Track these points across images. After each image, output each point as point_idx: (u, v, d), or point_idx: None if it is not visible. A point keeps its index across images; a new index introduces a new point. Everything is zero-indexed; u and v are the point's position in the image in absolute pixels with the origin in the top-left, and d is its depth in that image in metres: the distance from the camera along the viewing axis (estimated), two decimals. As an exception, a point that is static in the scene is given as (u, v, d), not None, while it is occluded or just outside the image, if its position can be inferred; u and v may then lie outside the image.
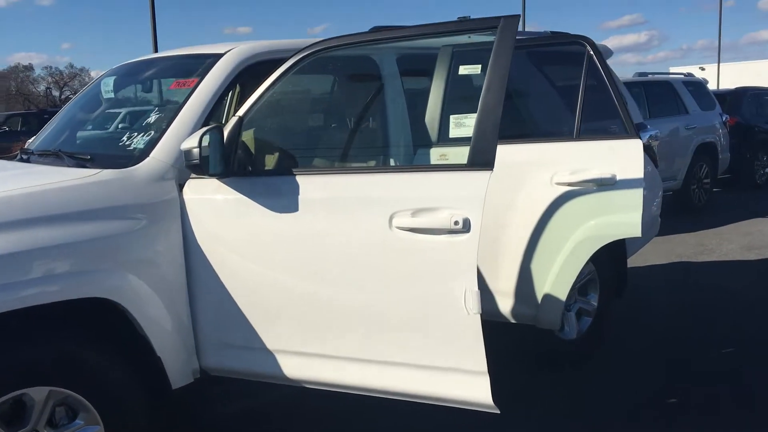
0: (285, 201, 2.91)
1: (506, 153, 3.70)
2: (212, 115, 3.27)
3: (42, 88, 57.86)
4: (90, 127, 3.84)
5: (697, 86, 10.76)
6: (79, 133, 3.80)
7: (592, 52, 3.58)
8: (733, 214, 10.07)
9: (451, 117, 3.87)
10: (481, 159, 2.67)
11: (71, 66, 63.41)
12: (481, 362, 2.71)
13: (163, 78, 3.69)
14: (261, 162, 3.12)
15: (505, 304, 3.80)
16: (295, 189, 2.91)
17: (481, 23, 2.79)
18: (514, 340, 4.44)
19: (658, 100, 9.98)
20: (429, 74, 3.95)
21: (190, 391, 3.22)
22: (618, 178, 3.47)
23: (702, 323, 5.28)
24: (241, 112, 3.06)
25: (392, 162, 3.88)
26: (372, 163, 3.70)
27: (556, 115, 3.84)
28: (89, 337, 2.86)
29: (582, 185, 3.53)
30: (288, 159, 3.23)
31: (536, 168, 3.64)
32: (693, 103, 10.35)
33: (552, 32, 4.91)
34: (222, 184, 3.02)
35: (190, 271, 3.05)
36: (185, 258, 3.05)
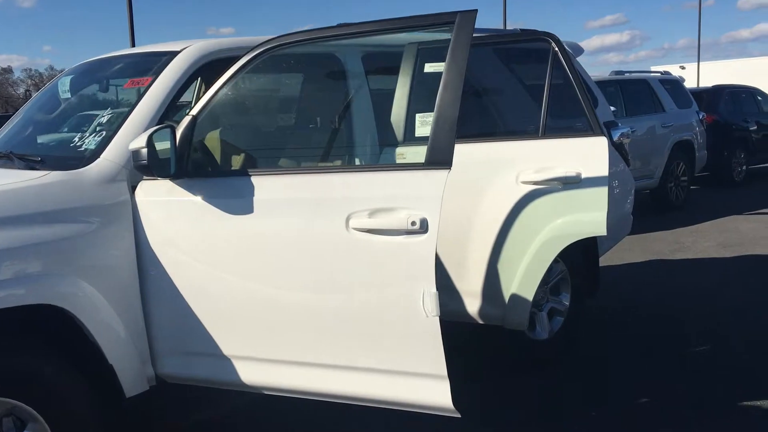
0: (239, 202, 2.83)
1: (472, 152, 3.65)
2: (168, 114, 3.18)
3: (21, 90, 57.30)
4: (45, 128, 3.73)
5: (673, 84, 10.76)
6: (34, 135, 3.70)
7: (557, 49, 3.53)
8: (710, 211, 10.08)
9: (417, 115, 3.81)
10: (439, 158, 2.60)
11: (51, 68, 62.94)
12: (440, 365, 2.64)
13: (120, 77, 3.60)
14: (216, 162, 3.04)
15: (473, 305, 3.73)
16: (250, 190, 2.82)
17: (437, 19, 2.71)
18: (485, 341, 4.39)
19: (635, 98, 9.98)
20: (395, 72, 3.88)
21: (147, 400, 3.14)
22: (583, 176, 3.41)
23: (675, 321, 5.25)
24: (194, 111, 2.97)
25: (357, 161, 3.80)
26: (336, 163, 3.62)
27: (522, 113, 3.78)
28: (37, 345, 2.77)
29: (547, 184, 3.47)
30: (244, 159, 3.15)
31: (502, 167, 3.57)
32: (670, 101, 10.35)
33: (522, 30, 4.86)
34: (175, 185, 2.93)
35: (143, 276, 2.96)
36: (138, 262, 2.96)
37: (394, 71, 3.90)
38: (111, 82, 3.60)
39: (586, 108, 3.45)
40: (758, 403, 3.77)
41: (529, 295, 3.57)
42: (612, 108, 8.80)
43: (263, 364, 2.90)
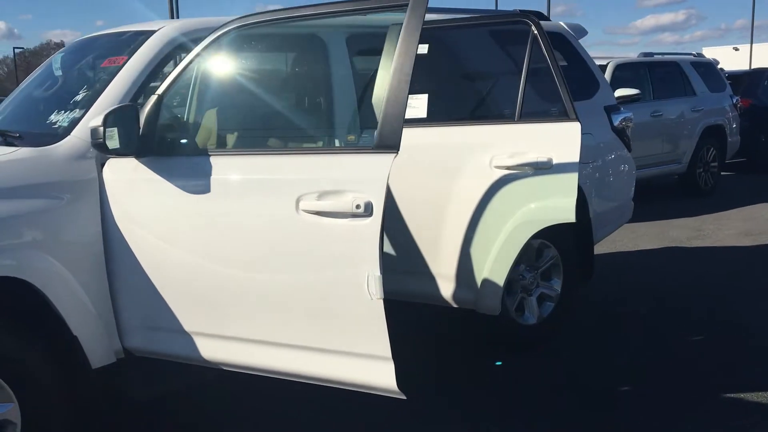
0: (198, 182, 2.88)
1: (448, 135, 3.65)
2: (142, 92, 3.23)
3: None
4: (35, 105, 3.83)
5: (706, 67, 10.48)
6: (23, 111, 3.80)
7: (536, 32, 3.48)
8: (739, 198, 9.84)
9: (397, 97, 3.78)
10: (387, 142, 2.60)
11: (102, 43, 63.65)
12: (384, 347, 2.66)
13: (104, 56, 3.66)
14: (180, 142, 3.08)
15: (447, 288, 3.74)
16: (208, 170, 2.87)
17: (391, 1, 2.70)
18: (472, 325, 4.40)
19: (664, 80, 9.75)
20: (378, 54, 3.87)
21: (119, 371, 3.24)
22: (554, 162, 3.38)
23: (676, 309, 5.17)
24: (160, 90, 3.02)
25: (336, 143, 3.82)
26: (305, 144, 3.64)
27: (499, 97, 3.75)
28: (1, 315, 2.87)
29: (519, 169, 3.45)
30: (209, 139, 3.19)
31: (477, 151, 3.56)
32: (701, 85, 10.09)
33: (520, 11, 4.80)
34: (140, 163, 3.00)
35: (109, 252, 3.04)
36: (104, 238, 3.03)
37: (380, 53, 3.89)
38: (95, 61, 3.67)
39: (562, 92, 3.40)
40: (741, 396, 3.71)
41: (500, 279, 3.56)
42: (635, 91, 8.67)
43: (218, 341, 2.96)
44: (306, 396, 3.41)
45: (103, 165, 3.07)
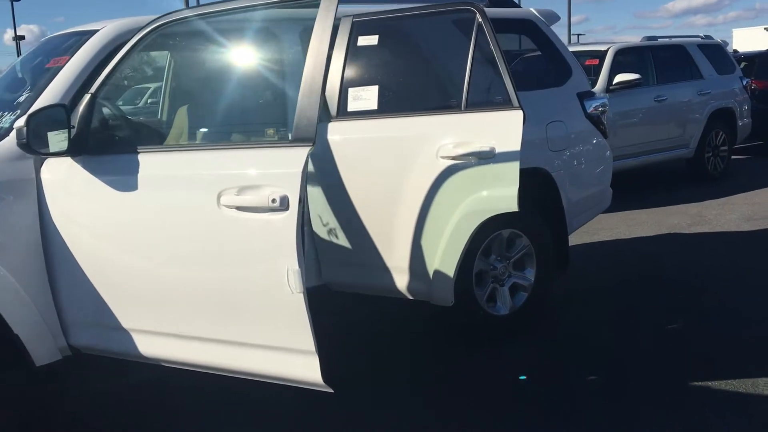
0: (126, 179, 2.91)
1: (396, 127, 3.62)
2: (82, 92, 3.24)
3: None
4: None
5: (714, 49, 10.25)
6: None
7: (480, 20, 3.43)
8: (748, 183, 9.62)
9: (350, 90, 3.78)
10: (302, 135, 2.60)
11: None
12: (307, 341, 2.66)
13: (52, 56, 3.69)
14: (112, 140, 3.11)
15: (401, 281, 3.72)
16: (135, 167, 2.89)
17: (303, -5, 2.69)
18: (442, 315, 4.37)
19: (669, 64, 9.56)
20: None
21: (69, 368, 3.28)
22: (497, 151, 3.33)
23: (660, 297, 5.08)
24: (93, 89, 3.05)
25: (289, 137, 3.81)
26: (239, 139, 3.63)
27: (447, 87, 3.70)
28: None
29: (464, 159, 3.41)
30: (138, 136, 3.21)
31: (424, 142, 3.52)
32: (708, 67, 9.88)
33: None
34: (74, 163, 3.03)
35: (48, 251, 3.08)
36: (42, 238, 3.07)
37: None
38: (43, 62, 3.70)
39: (506, 80, 3.35)
40: (709, 384, 3.64)
41: (450, 270, 3.52)
42: (636, 75, 8.53)
43: (153, 337, 2.99)
44: (275, 392, 3.40)
45: (42, 165, 3.10)
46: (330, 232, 3.78)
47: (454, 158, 3.42)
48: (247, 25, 3.55)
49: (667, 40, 9.99)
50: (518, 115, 3.29)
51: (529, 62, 5.07)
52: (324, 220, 3.79)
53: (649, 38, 9.83)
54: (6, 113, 3.33)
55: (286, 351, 2.72)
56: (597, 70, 8.85)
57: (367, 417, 3.43)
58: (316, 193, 3.78)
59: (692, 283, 5.37)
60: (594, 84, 8.67)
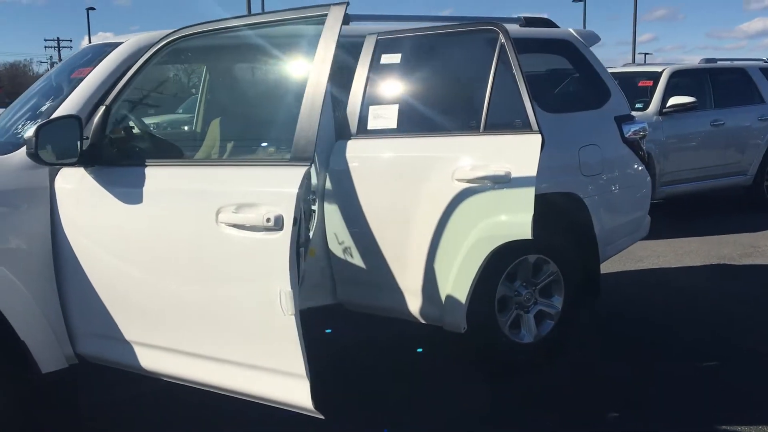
0: (133, 192, 2.92)
1: (413, 147, 3.57)
2: (101, 103, 3.27)
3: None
4: (21, 114, 3.96)
5: (779, 73, 9.86)
6: (9, 120, 3.94)
7: (503, 41, 3.35)
8: (812, 213, 9.21)
9: (370, 108, 3.74)
10: (300, 154, 2.56)
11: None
12: (298, 365, 2.61)
13: (79, 67, 3.75)
14: (124, 152, 3.13)
15: (414, 304, 3.64)
16: (141, 180, 2.91)
17: (310, 11, 2.66)
18: (462, 342, 4.26)
19: (728, 88, 9.24)
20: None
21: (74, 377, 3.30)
22: (513, 175, 3.23)
23: (695, 334, 4.85)
24: (108, 101, 3.08)
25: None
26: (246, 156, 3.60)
27: (467, 108, 3.62)
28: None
29: (479, 182, 3.32)
30: (151, 149, 3.22)
31: (440, 163, 3.45)
32: (772, 93, 9.51)
33: (525, 17, 4.65)
34: (86, 173, 3.05)
35: (58, 260, 3.10)
36: (53, 246, 3.10)
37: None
38: (70, 72, 3.77)
39: (526, 103, 3.26)
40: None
41: (462, 296, 3.43)
42: (691, 99, 8.26)
43: (152, 350, 2.99)
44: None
45: (56, 175, 3.14)
46: (345, 250, 3.74)
47: (469, 181, 3.34)
48: (269, 39, 3.54)
49: (727, 62, 9.66)
50: (536, 139, 3.19)
51: (566, 84, 4.94)
52: (339, 238, 3.74)
53: (708, 60, 9.52)
54: (29, 122, 3.39)
55: (276, 373, 2.68)
56: (651, 91, 8.61)
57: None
58: (332, 211, 3.75)
59: (734, 315, 5.13)
60: (647, 106, 8.44)
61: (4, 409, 3.04)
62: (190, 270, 2.79)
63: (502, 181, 3.25)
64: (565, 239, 4.47)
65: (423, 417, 3.64)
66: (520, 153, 3.23)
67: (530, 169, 3.17)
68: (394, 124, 3.64)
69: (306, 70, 3.63)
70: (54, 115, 3.19)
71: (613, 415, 3.71)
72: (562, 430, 3.55)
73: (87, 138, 3.05)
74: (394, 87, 3.75)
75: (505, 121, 3.43)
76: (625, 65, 10.62)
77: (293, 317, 2.56)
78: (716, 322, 5.07)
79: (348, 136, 3.77)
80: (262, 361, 2.70)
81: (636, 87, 8.75)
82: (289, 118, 3.71)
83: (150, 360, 3.00)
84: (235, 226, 2.65)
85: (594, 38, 4.87)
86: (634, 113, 8.15)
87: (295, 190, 2.52)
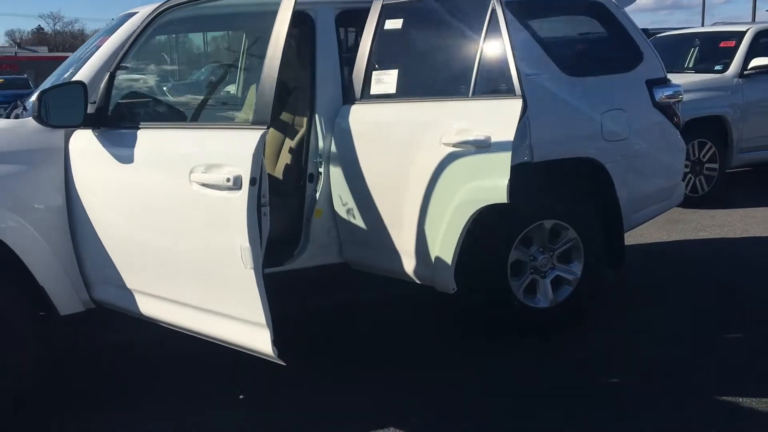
0: (126, 152, 3.18)
1: (408, 112, 3.66)
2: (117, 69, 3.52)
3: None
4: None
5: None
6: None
7: (495, 4, 3.36)
8: None
9: (373, 73, 3.84)
10: (258, 117, 2.73)
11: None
12: (259, 314, 2.80)
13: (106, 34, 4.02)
14: (125, 115, 3.38)
15: (409, 264, 3.75)
16: (133, 141, 3.16)
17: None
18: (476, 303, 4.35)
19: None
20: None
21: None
22: (492, 140, 3.26)
23: (730, 307, 4.72)
24: (111, 68, 3.34)
25: (317, 118, 3.95)
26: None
27: (458, 73, 3.64)
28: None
29: (463, 146, 3.37)
30: (151, 113, 3.46)
31: (430, 127, 3.52)
32: None
33: None
34: (93, 135, 3.34)
35: (71, 214, 3.42)
36: (67, 201, 3.41)
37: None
38: (96, 40, 4.06)
39: (511, 66, 3.27)
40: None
41: (449, 258, 3.51)
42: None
43: (145, 297, 3.27)
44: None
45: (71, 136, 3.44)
46: (348, 212, 3.89)
47: (454, 145, 3.40)
48: (226, 11, 3.66)
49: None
50: (516, 104, 3.21)
51: (594, 46, 4.84)
52: (343, 200, 3.89)
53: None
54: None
55: (241, 321, 2.89)
56: (733, 53, 8.17)
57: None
58: (337, 173, 3.90)
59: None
60: (727, 68, 8.04)
61: (30, 346, 3.39)
62: (170, 225, 3.04)
63: (483, 146, 3.29)
64: (585, 205, 4.43)
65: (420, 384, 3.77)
66: (500, 118, 3.25)
67: (508, 134, 3.19)
68: (393, 89, 3.72)
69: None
70: (73, 78, 3.49)
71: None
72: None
73: (94, 102, 3.33)
74: (395, 52, 3.83)
75: (493, 85, 3.45)
76: (714, 23, 10.07)
77: (251, 270, 2.74)
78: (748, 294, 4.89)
79: (353, 100, 3.89)
80: (229, 309, 2.93)
81: (717, 48, 8.34)
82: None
83: (144, 306, 3.29)
84: (204, 185, 2.85)
85: (629, 0, 4.73)
86: (710, 75, 7.88)
87: (251, 152, 2.68)
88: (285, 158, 4.32)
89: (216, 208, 2.82)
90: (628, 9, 4.73)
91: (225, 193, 2.77)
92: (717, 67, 8.09)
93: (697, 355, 4.00)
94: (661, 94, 4.61)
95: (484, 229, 4.12)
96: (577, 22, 4.78)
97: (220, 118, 3.81)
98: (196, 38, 3.75)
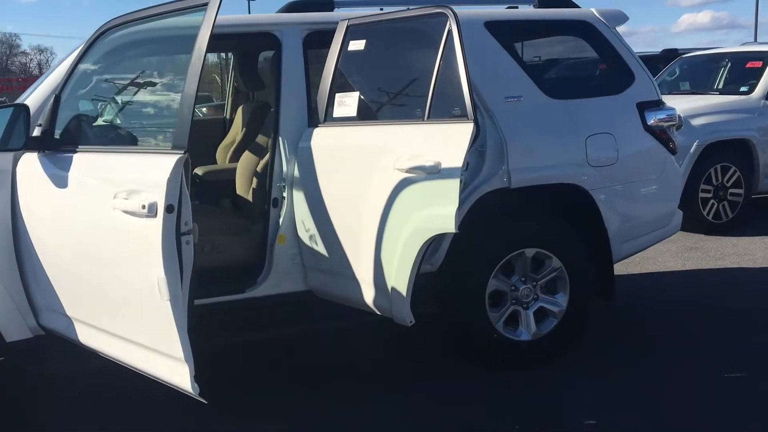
0: (60, 176, 3.12)
1: (364, 135, 3.53)
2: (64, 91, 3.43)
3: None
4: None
5: None
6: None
7: (450, 26, 3.20)
8: None
9: (336, 95, 3.71)
10: (176, 142, 2.62)
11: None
12: (176, 348, 2.68)
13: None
14: (67, 138, 3.30)
15: (368, 295, 3.58)
16: (68, 165, 3.09)
17: (192, 2, 2.68)
18: (453, 335, 4.16)
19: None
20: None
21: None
22: (442, 166, 3.09)
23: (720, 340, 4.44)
24: (57, 90, 3.28)
25: (281, 140, 3.83)
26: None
27: (415, 96, 3.47)
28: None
29: (414, 172, 3.20)
30: (90, 135, 3.38)
31: (384, 152, 3.36)
32: None
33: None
34: (37, 158, 3.28)
35: (16, 238, 3.35)
36: (13, 225, 3.34)
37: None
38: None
39: (464, 89, 3.10)
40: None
41: (403, 289, 3.32)
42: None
43: (80, 324, 3.19)
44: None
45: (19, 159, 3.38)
46: (311, 238, 3.75)
47: (407, 171, 3.23)
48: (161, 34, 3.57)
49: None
50: (467, 128, 3.03)
51: (582, 68, 4.63)
52: (306, 225, 3.76)
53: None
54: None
55: (161, 354, 2.77)
56: (759, 74, 7.82)
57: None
58: (299, 198, 3.77)
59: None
60: (752, 90, 7.69)
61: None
62: (97, 252, 2.96)
63: (433, 172, 3.12)
64: (570, 233, 4.21)
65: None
66: (450, 143, 3.08)
67: (457, 160, 3.02)
68: (354, 112, 3.59)
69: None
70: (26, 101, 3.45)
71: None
72: None
73: (40, 125, 3.28)
74: (357, 74, 3.70)
75: (447, 109, 3.28)
76: (743, 44, 9.70)
77: (167, 302, 2.62)
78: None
79: (316, 123, 3.77)
80: (148, 341, 2.82)
81: (744, 69, 7.99)
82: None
83: (81, 334, 3.20)
84: (125, 211, 2.75)
85: (620, 18, 4.51)
86: (735, 97, 7.55)
87: (165, 177, 2.57)
88: (252, 182, 4.21)
89: (134, 236, 2.72)
90: (620, 29, 4.51)
91: (143, 220, 2.67)
92: (743, 89, 7.75)
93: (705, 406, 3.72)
94: (654, 118, 4.37)
95: (459, 256, 3.97)
96: (565, 43, 4.58)
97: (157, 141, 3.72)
98: (150, 60, 3.64)
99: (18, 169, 3.36)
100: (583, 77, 4.53)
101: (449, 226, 3.04)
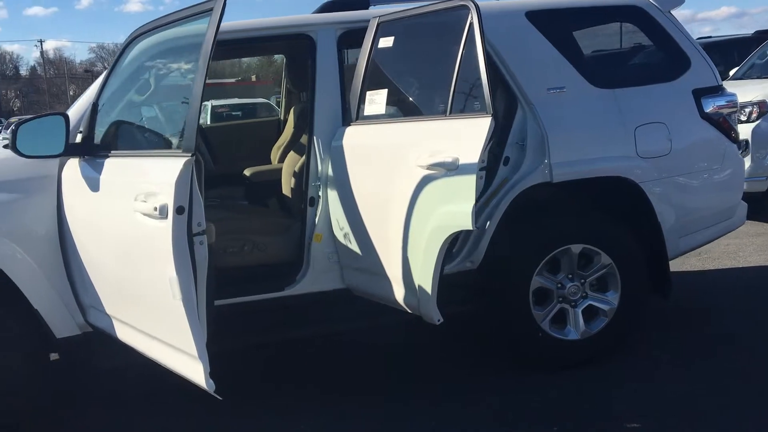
0: (95, 180, 3.25)
1: (390, 133, 3.52)
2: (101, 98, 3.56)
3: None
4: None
5: None
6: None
7: (472, 19, 3.14)
8: None
9: (367, 93, 3.71)
10: (185, 145, 2.69)
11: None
12: (190, 346, 2.75)
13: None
14: (104, 143, 3.43)
15: (399, 293, 3.55)
16: (101, 169, 3.23)
17: (198, 8, 2.74)
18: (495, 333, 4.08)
19: None
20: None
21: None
22: (459, 162, 3.03)
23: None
24: (94, 98, 3.43)
25: (315, 140, 3.87)
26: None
27: (439, 91, 3.40)
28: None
29: (435, 168, 3.15)
30: (125, 140, 3.50)
31: (408, 149, 3.33)
32: None
33: None
34: (77, 163, 3.44)
35: (62, 240, 3.52)
36: (59, 228, 3.52)
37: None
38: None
39: (483, 83, 3.03)
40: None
41: (428, 287, 3.27)
42: None
43: (117, 322, 3.31)
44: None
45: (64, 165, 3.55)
46: (345, 236, 3.76)
47: (427, 167, 3.19)
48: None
49: None
50: (485, 122, 2.96)
51: (634, 55, 4.43)
52: (340, 224, 3.77)
53: None
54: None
55: (177, 350, 2.86)
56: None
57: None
58: (334, 197, 3.79)
59: None
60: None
61: (27, 370, 3.52)
62: (123, 252, 3.07)
63: (452, 168, 3.06)
64: (620, 229, 4.05)
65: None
66: (469, 138, 3.02)
67: (474, 155, 2.95)
68: (383, 110, 3.58)
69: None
70: (70, 110, 3.62)
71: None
72: None
73: (81, 132, 3.44)
74: (386, 71, 3.68)
75: (469, 104, 3.22)
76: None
77: (180, 302, 2.69)
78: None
79: (349, 121, 3.78)
80: (169, 338, 2.90)
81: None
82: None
83: (118, 331, 3.33)
84: (144, 213, 2.84)
85: (674, 2, 4.29)
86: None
87: (174, 180, 2.64)
88: (291, 181, 4.26)
89: (150, 237, 2.80)
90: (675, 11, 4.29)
91: (156, 221, 2.75)
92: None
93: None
94: (712, 105, 4.14)
95: (501, 253, 3.89)
96: (615, 30, 4.39)
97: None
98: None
99: (63, 174, 3.52)
100: (634, 65, 4.33)
101: (467, 223, 2.97)
